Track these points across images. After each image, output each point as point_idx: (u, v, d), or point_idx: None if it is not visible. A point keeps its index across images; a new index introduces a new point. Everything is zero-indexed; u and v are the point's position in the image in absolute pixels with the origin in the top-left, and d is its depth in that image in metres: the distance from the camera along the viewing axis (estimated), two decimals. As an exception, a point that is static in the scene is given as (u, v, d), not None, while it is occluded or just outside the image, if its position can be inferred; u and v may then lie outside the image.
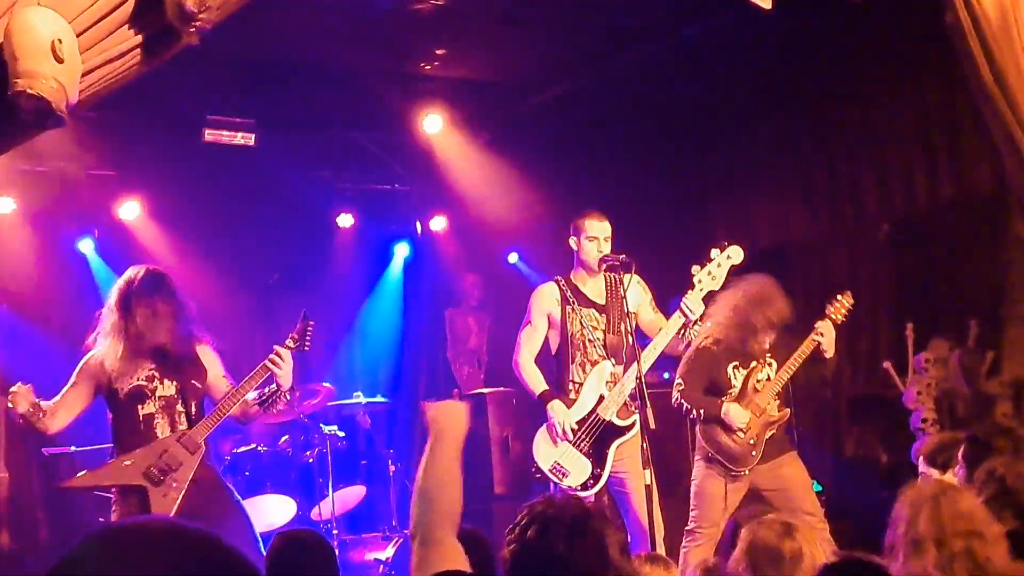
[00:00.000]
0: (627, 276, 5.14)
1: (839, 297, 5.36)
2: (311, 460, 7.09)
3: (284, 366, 4.73)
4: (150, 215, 7.89)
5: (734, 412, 5.23)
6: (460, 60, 7.49)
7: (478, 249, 9.45)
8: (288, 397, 4.91)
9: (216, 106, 7.48)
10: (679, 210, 9.11)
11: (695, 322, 5.07)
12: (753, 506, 5.28)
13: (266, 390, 4.79)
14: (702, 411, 5.30)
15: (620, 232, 5.32)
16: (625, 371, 5.11)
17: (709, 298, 5.11)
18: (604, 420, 5.14)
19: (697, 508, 5.35)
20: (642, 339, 5.27)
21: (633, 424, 5.13)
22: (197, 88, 7.10)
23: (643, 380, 4.74)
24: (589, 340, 5.19)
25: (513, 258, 9.54)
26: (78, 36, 2.90)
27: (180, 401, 4.78)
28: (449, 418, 2.75)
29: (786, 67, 7.86)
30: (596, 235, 5.20)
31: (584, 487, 5.06)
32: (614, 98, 8.17)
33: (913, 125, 7.69)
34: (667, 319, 5.24)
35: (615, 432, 5.19)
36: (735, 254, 5.10)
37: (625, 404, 5.14)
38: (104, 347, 4.75)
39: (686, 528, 5.38)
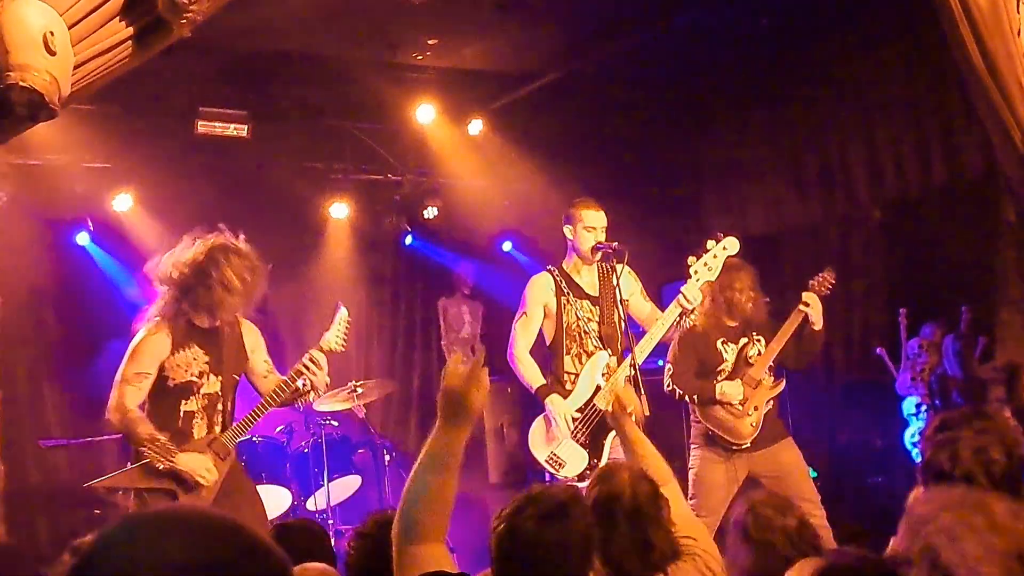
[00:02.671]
0: (619, 266, 5.14)
1: (822, 273, 5.41)
2: (306, 450, 7.10)
3: (319, 371, 4.66)
4: (143, 207, 7.87)
5: (728, 389, 5.28)
6: (452, 50, 7.48)
7: (472, 238, 9.45)
8: (320, 394, 4.83)
9: (209, 98, 7.47)
10: (673, 197, 9.14)
11: (692, 311, 5.09)
12: (752, 492, 5.31)
13: (300, 386, 4.71)
14: (696, 396, 5.34)
15: (613, 220, 5.32)
16: (620, 362, 5.13)
17: (707, 288, 5.14)
18: (600, 411, 5.15)
19: (696, 496, 5.37)
20: (634, 327, 5.29)
21: (630, 414, 5.14)
22: (190, 80, 7.08)
23: (638, 369, 4.76)
24: (584, 331, 5.19)
25: (507, 246, 9.54)
26: (70, 28, 2.90)
27: (221, 399, 4.70)
28: (459, 402, 2.63)
29: (778, 54, 7.87)
30: (593, 225, 5.19)
31: (581, 478, 5.07)
32: (607, 86, 8.17)
33: (904, 111, 7.72)
34: (660, 308, 5.27)
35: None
36: (731, 245, 5.12)
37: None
38: (160, 329, 4.57)
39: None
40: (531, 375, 5.19)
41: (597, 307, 5.25)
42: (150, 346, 4.57)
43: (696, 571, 2.47)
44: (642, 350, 5.00)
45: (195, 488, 4.54)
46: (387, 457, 7.40)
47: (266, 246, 8.08)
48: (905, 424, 7.50)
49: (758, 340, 5.43)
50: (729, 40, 7.54)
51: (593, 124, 8.66)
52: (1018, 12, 4.66)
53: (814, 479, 6.65)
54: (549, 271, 5.31)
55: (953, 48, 4.83)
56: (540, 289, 5.27)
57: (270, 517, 5.92)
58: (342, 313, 4.85)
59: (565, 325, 5.21)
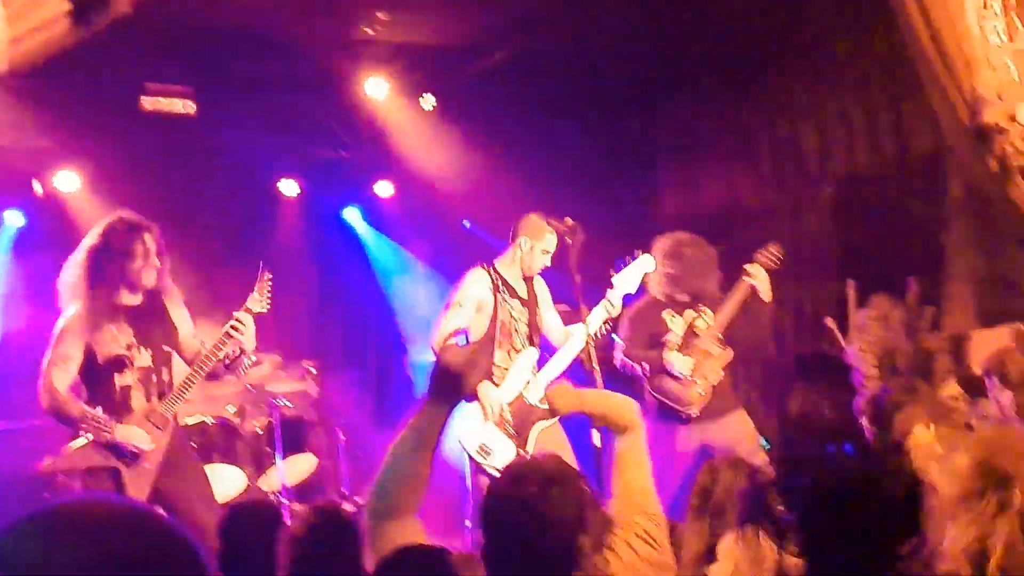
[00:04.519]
0: (536, 278, 5.39)
1: (769, 247, 5.50)
2: (259, 431, 7.04)
3: (246, 331, 4.71)
4: (87, 185, 7.72)
5: (676, 360, 5.37)
6: (405, 24, 7.40)
7: (427, 215, 9.39)
8: (253, 358, 4.91)
9: (155, 73, 7.33)
10: (626, 176, 9.15)
11: (608, 321, 5.23)
12: (704, 463, 5.37)
13: (229, 351, 4.76)
14: (646, 365, 5.42)
15: (568, 197, 5.38)
16: (548, 362, 5.28)
17: (661, 304, 5.30)
18: (529, 404, 5.21)
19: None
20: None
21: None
22: (135, 55, 6.94)
23: (592, 345, 4.84)
24: (515, 330, 5.29)
25: (465, 224, 9.50)
26: (4, 5, 2.82)
27: (155, 371, 4.73)
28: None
29: (730, 32, 7.89)
30: (549, 250, 5.30)
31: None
32: (562, 63, 8.14)
33: (854, 88, 7.79)
34: (577, 313, 5.37)
35: (538, 416, 5.25)
36: (648, 264, 5.29)
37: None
38: (80, 311, 4.61)
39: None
40: None
41: (526, 308, 5.36)
42: (71, 327, 4.60)
43: (635, 536, 2.48)
44: (569, 352, 5.13)
45: (138, 462, 4.54)
46: (342, 437, 7.36)
47: (215, 224, 8.00)
48: (854, 394, 7.59)
49: (705, 312, 5.50)
50: (683, 19, 7.54)
51: (548, 101, 8.63)
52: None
53: (766, 450, 6.74)
54: (484, 268, 5.37)
55: (900, 23, 4.87)
56: (477, 284, 5.35)
57: (224, 498, 5.88)
58: (264, 275, 4.91)
59: (499, 322, 5.28)
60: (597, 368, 4.80)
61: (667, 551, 2.56)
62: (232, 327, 4.69)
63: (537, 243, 5.31)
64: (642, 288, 5.55)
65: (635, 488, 2.63)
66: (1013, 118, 5.98)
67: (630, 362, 5.47)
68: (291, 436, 7.07)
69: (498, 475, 2.24)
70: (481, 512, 2.20)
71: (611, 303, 5.20)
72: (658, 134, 9.19)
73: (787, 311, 8.11)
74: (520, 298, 5.40)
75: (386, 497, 2.51)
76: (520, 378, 5.25)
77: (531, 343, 5.38)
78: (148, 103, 7.29)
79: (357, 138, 8.74)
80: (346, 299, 9.69)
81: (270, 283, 4.89)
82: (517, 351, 5.32)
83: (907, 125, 7.45)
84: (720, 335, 5.50)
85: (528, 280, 5.46)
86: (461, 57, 8.10)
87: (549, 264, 5.38)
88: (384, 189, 9.10)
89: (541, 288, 5.51)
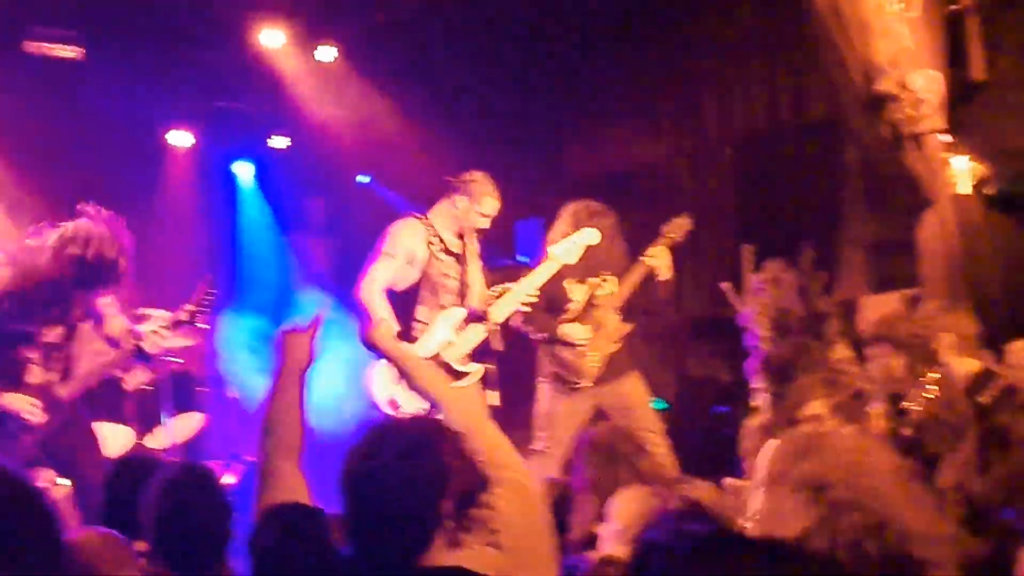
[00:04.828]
0: (471, 238, 5.29)
1: (676, 219, 5.50)
2: (147, 387, 6.86)
3: (163, 344, 4.76)
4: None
5: (573, 330, 5.36)
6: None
7: (324, 170, 9.21)
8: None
9: (41, 16, 6.99)
10: (531, 135, 9.13)
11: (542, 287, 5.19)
12: (600, 423, 5.41)
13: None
14: (543, 331, 5.39)
15: (472, 155, 5.30)
16: (470, 321, 5.16)
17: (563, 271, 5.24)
18: (444, 362, 5.12)
19: (542, 429, 5.45)
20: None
21: (469, 373, 5.15)
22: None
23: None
24: (444, 286, 5.16)
25: (363, 180, 9.35)
26: None
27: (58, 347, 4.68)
28: (293, 347, 2.75)
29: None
30: (487, 213, 5.18)
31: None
32: (468, 17, 8.03)
33: (754, 54, 7.88)
34: (511, 246, 5.32)
35: (452, 376, 5.18)
36: (592, 237, 5.21)
37: (468, 353, 5.16)
38: None
39: (530, 447, 5.47)
40: (382, 313, 5.11)
41: (460, 265, 5.25)
42: None
43: (513, 492, 2.45)
44: (501, 310, 5.06)
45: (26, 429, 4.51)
46: (232, 394, 7.22)
47: (101, 176, 7.67)
48: (747, 357, 7.72)
49: (607, 280, 5.49)
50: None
51: (454, 56, 8.50)
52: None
53: (664, 410, 6.81)
54: (419, 219, 5.23)
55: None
56: (410, 236, 5.21)
57: (111, 455, 5.73)
58: (205, 288, 4.85)
59: (429, 276, 5.15)
60: (498, 327, 4.75)
61: (542, 506, 2.53)
62: (155, 332, 4.70)
63: (474, 204, 5.20)
64: (537, 247, 5.52)
65: (493, 447, 2.60)
66: (906, 86, 6.11)
67: (527, 325, 5.43)
68: (180, 393, 6.90)
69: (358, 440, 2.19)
70: (339, 477, 2.14)
71: (546, 272, 5.12)
72: (563, 95, 9.17)
73: (686, 273, 8.20)
74: (454, 255, 5.29)
75: (264, 456, 2.56)
76: (439, 337, 5.14)
77: (461, 302, 5.26)
78: (32, 47, 6.97)
79: (252, 89, 8.49)
80: (238, 254, 9.46)
81: (210, 299, 4.81)
82: (443, 308, 5.21)
83: (805, 91, 7.56)
84: (620, 305, 5.50)
85: (462, 238, 5.34)
86: (363, 8, 7.91)
87: (487, 227, 5.26)
88: (279, 142, 8.88)
89: (474, 248, 5.40)
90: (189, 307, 4.75)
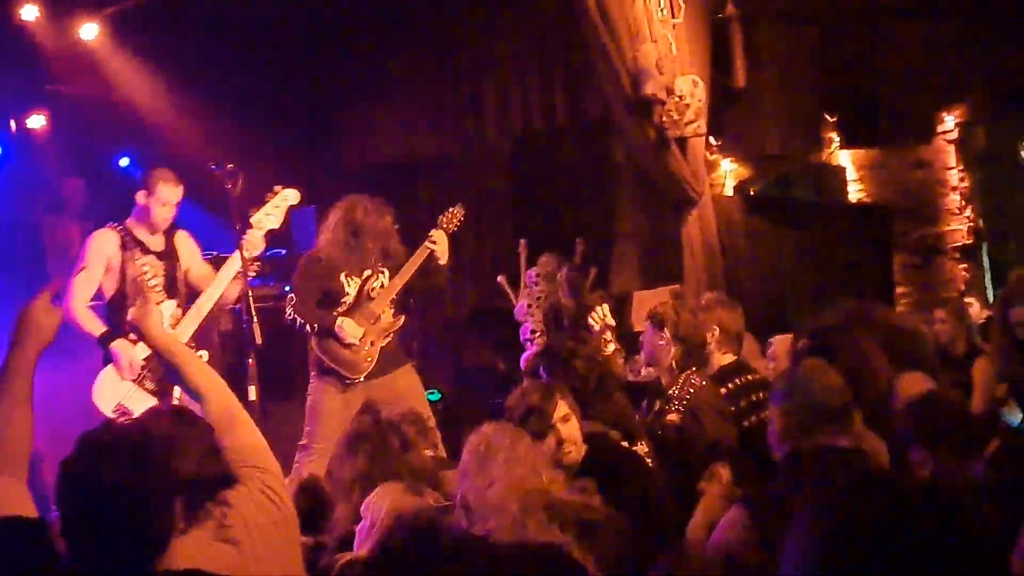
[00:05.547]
0: (179, 233, 5.29)
1: (452, 209, 5.52)
2: None
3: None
4: None
5: (347, 326, 5.29)
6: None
7: (83, 151, 8.73)
8: None
9: None
10: (307, 122, 8.97)
11: (256, 260, 5.11)
12: (366, 416, 5.37)
13: None
14: (316, 325, 5.30)
15: (243, 141, 5.15)
16: (185, 312, 5.08)
17: (270, 236, 5.17)
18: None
19: (311, 424, 5.36)
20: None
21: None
22: None
23: (250, 298, 4.67)
24: (150, 286, 5.09)
25: (124, 162, 8.91)
26: None
27: None
28: (35, 320, 2.55)
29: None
30: (168, 200, 5.18)
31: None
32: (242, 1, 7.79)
33: (532, 54, 8.04)
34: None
35: None
36: (292, 196, 5.19)
37: (189, 342, 5.06)
38: None
39: (300, 443, 5.36)
40: (92, 325, 5.06)
41: (162, 262, 5.17)
42: None
43: (256, 491, 2.39)
44: (210, 296, 5.02)
45: None
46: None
47: None
48: (523, 349, 7.88)
49: (382, 272, 5.44)
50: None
51: (225, 42, 8.22)
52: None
53: (438, 400, 6.83)
54: (113, 228, 5.17)
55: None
56: (102, 245, 5.17)
57: None
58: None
59: (130, 280, 5.06)
60: (256, 320, 4.63)
61: (287, 505, 2.47)
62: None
63: (152, 197, 5.16)
64: (312, 236, 5.43)
65: (246, 446, 2.53)
66: (671, 91, 6.37)
67: (299, 319, 5.32)
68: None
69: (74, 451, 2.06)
70: (55, 489, 2.02)
71: (251, 243, 5.07)
72: (341, 85, 9.06)
73: (465, 266, 8.28)
74: (154, 253, 5.20)
75: None
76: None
77: (170, 296, 5.16)
78: None
79: (7, 64, 7.91)
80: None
81: None
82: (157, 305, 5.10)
83: (581, 91, 7.76)
84: (395, 298, 5.46)
85: (168, 234, 5.26)
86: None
87: (170, 217, 5.22)
88: (36, 121, 8.33)
89: (183, 241, 5.36)
90: None
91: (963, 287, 8.05)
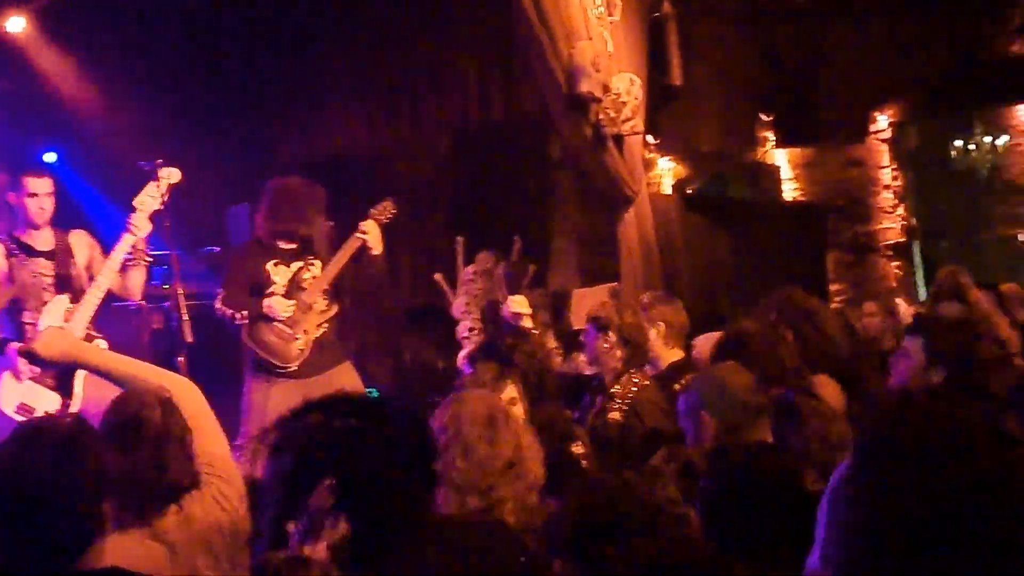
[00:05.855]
0: (75, 232, 5.21)
1: (383, 202, 5.50)
2: None
3: None
4: None
5: (276, 303, 5.25)
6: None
7: (7, 147, 8.53)
8: None
9: None
10: (240, 118, 8.86)
11: (142, 249, 5.07)
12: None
13: None
14: (245, 312, 5.24)
15: (176, 138, 5.05)
16: (78, 307, 5.03)
17: (155, 216, 5.10)
18: None
19: (246, 422, 5.29)
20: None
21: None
22: None
23: (182, 296, 4.61)
24: (40, 286, 5.04)
25: (50, 158, 8.73)
26: None
27: None
28: None
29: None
30: (36, 191, 5.07)
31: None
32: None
33: (469, 50, 8.01)
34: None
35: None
36: (172, 175, 5.12)
37: (87, 332, 5.00)
38: None
39: (234, 443, 5.28)
40: None
41: (52, 261, 5.10)
42: None
43: (210, 497, 2.36)
44: (99, 284, 4.94)
45: None
46: None
47: None
48: (460, 346, 7.86)
49: (313, 264, 5.40)
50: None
51: (158, 37, 8.08)
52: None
53: (375, 398, 6.76)
54: None
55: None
56: None
57: None
58: None
59: (20, 284, 5.00)
60: (186, 318, 4.55)
61: (240, 515, 2.44)
62: None
63: (21, 192, 5.11)
64: (247, 233, 5.36)
65: (203, 453, 2.49)
66: (608, 88, 6.38)
67: (228, 310, 5.25)
68: None
69: None
70: None
71: (136, 226, 5.00)
72: (274, 80, 8.97)
73: (403, 263, 8.24)
74: (41, 253, 5.15)
75: None
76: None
77: (60, 292, 5.11)
78: None
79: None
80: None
81: None
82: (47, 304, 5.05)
83: (518, 87, 7.76)
84: (327, 288, 5.42)
85: (60, 233, 5.21)
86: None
87: (50, 206, 5.10)
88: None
89: (79, 239, 5.27)
90: None
91: (895, 284, 8.21)
